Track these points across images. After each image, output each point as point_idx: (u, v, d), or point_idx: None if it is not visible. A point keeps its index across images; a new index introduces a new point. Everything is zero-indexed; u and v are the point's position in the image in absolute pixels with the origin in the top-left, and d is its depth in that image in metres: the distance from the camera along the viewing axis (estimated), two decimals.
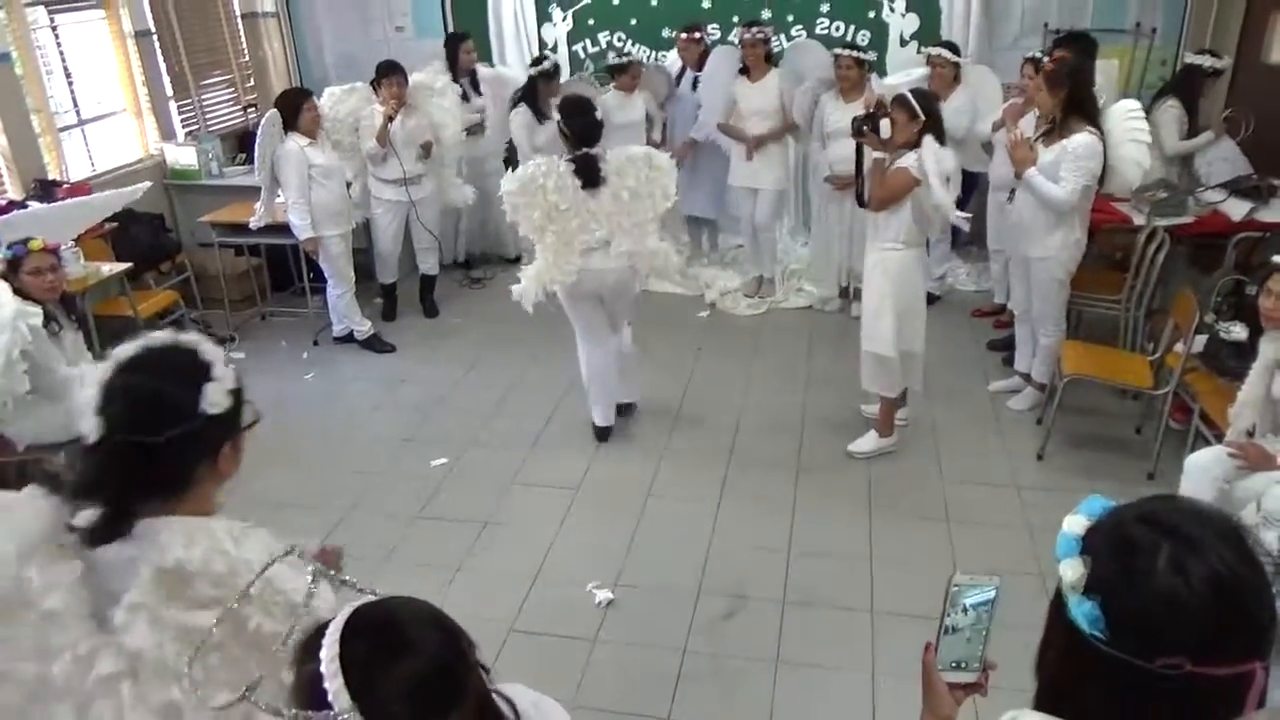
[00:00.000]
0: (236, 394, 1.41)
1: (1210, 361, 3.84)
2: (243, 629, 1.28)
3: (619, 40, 6.72)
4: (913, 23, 6.33)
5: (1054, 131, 3.96)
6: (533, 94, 5.61)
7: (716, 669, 3.01)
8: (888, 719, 2.81)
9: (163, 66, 6.13)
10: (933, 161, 3.57)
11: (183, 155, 6.13)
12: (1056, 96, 3.88)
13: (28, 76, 5.19)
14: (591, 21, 6.74)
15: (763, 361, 5.12)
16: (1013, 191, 4.20)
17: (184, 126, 6.33)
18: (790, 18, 6.44)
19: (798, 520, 3.73)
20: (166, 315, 5.24)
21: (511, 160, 5.10)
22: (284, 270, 6.09)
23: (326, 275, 5.33)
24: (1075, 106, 3.88)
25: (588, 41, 6.79)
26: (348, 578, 1.20)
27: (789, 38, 6.35)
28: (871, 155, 3.78)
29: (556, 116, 4.04)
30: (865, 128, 3.78)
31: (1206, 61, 5.16)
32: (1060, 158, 3.88)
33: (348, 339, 5.47)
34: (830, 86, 5.20)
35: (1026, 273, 4.27)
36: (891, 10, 6.34)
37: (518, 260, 5.06)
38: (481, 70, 6.15)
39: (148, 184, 4.93)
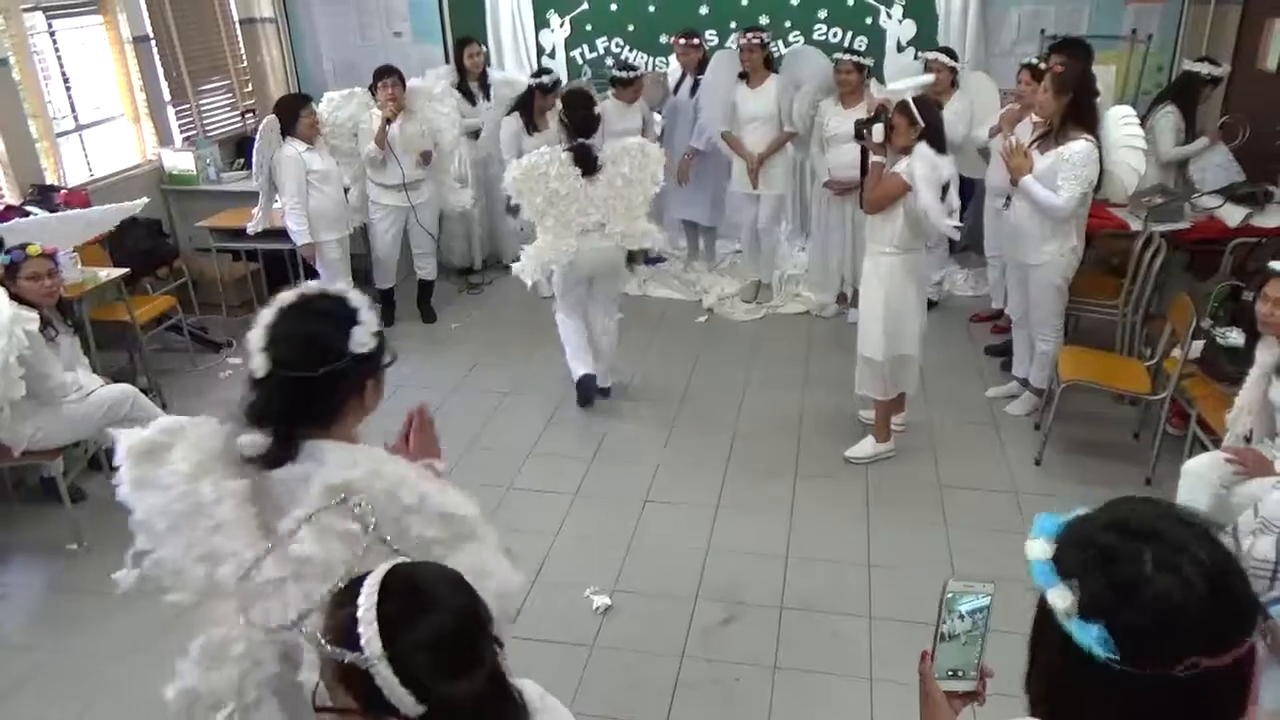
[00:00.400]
0: (379, 336, 1.58)
1: (1207, 367, 3.84)
2: (405, 535, 1.45)
3: (616, 46, 6.74)
4: (910, 29, 6.35)
5: (1050, 137, 3.96)
6: (528, 104, 5.61)
7: (714, 675, 3.00)
8: None
9: (160, 72, 6.13)
10: (922, 169, 3.58)
11: (180, 160, 6.13)
12: (1060, 101, 3.88)
13: (25, 82, 5.19)
14: (589, 27, 6.75)
15: (760, 367, 5.12)
16: (1009, 198, 4.21)
17: (182, 132, 6.33)
18: (788, 23, 6.45)
19: (795, 526, 3.73)
20: (164, 320, 5.23)
21: None
22: (282, 275, 6.06)
23: (324, 280, 5.32)
24: (1075, 113, 3.89)
25: (585, 47, 6.80)
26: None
27: (786, 44, 6.36)
28: (872, 159, 3.79)
29: (553, 125, 4.30)
30: (866, 131, 3.79)
31: (1205, 69, 5.18)
32: (1057, 165, 3.88)
33: None
34: (829, 92, 5.21)
35: (1023, 278, 4.27)
36: (889, 16, 6.36)
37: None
38: (494, 74, 6.16)
39: (146, 200, 4.94)
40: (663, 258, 6.54)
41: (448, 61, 6.39)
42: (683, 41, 5.91)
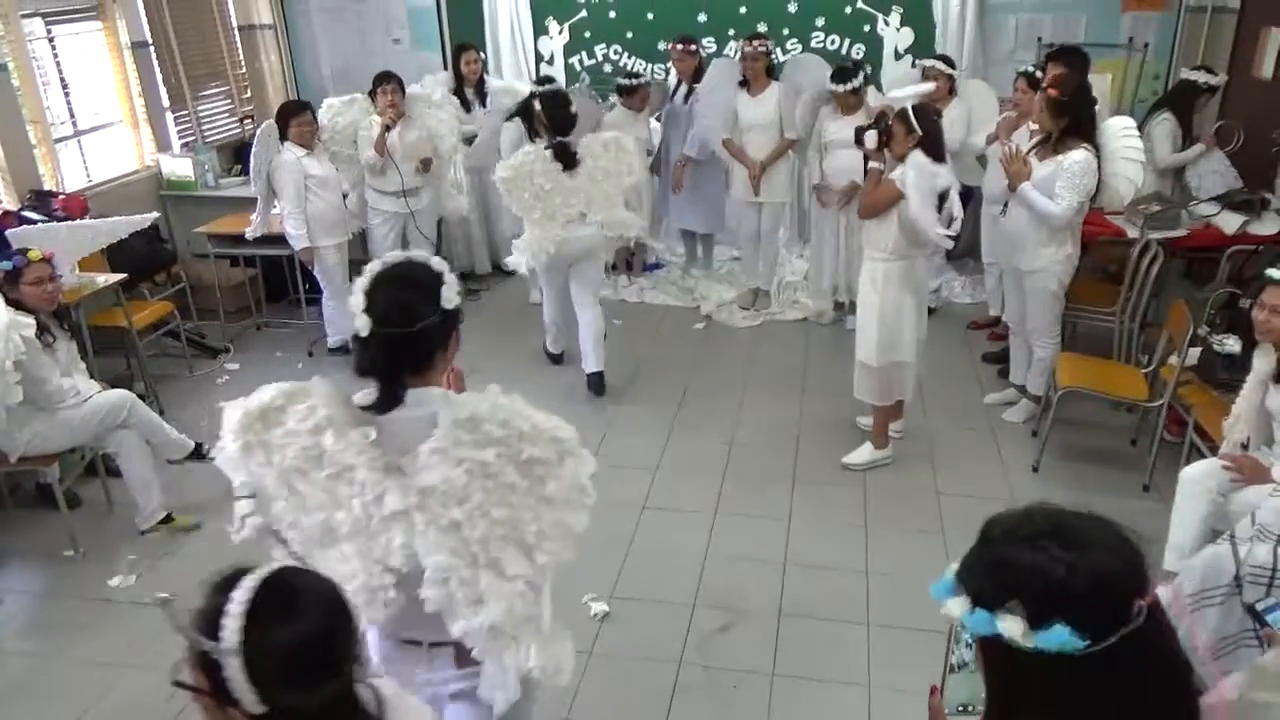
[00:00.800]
0: (461, 295, 1.80)
1: (1204, 374, 3.85)
2: (516, 458, 1.65)
3: (615, 53, 6.75)
4: (907, 37, 6.37)
5: (1048, 145, 3.97)
6: (530, 111, 5.61)
7: (712, 682, 3.00)
8: None
9: (159, 78, 6.14)
10: (914, 176, 3.59)
11: (179, 166, 6.13)
12: (1060, 121, 3.89)
13: (24, 87, 5.19)
14: (588, 34, 6.77)
15: (758, 373, 5.12)
16: (1006, 204, 4.22)
17: (180, 138, 6.34)
18: (786, 31, 6.47)
19: (793, 532, 3.73)
20: (161, 326, 5.23)
21: None
22: (279, 281, 6.08)
23: (322, 286, 5.33)
24: (1074, 123, 3.90)
25: (584, 54, 6.82)
26: (288, 540, 1.57)
27: (784, 51, 6.38)
28: (870, 165, 3.80)
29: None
30: (863, 138, 3.79)
31: (1201, 77, 5.21)
32: (1055, 174, 3.89)
33: (343, 350, 5.46)
34: (829, 100, 5.23)
35: (1020, 285, 4.28)
36: (886, 24, 6.38)
37: (514, 273, 5.11)
38: (492, 82, 6.16)
39: (157, 215, 4.95)
40: (660, 264, 6.55)
41: (446, 69, 6.39)
42: (679, 48, 5.91)
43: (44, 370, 3.55)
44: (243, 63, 6.90)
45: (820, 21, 6.45)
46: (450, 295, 1.77)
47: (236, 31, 6.83)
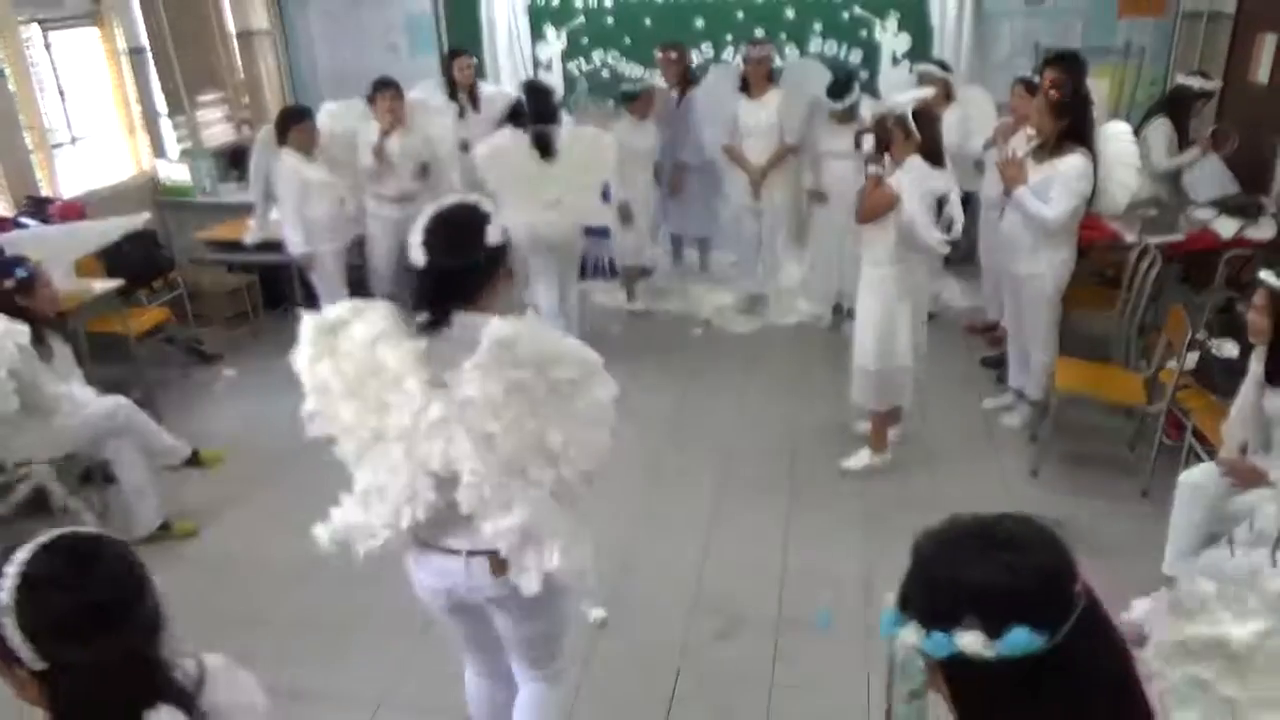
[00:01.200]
0: (505, 232, 2.00)
1: (1203, 378, 3.85)
2: (546, 379, 1.85)
3: (613, 59, 6.76)
4: (904, 42, 6.38)
5: (1045, 149, 3.97)
6: (519, 114, 5.60)
7: (709, 690, 2.99)
8: None
9: (156, 84, 6.14)
10: (909, 181, 3.60)
11: (176, 172, 6.13)
12: (1059, 123, 3.90)
13: (21, 93, 5.18)
14: (585, 40, 6.77)
15: (756, 378, 5.12)
16: (1003, 209, 4.22)
17: (177, 143, 6.33)
18: (783, 36, 6.48)
19: (791, 538, 3.72)
20: (158, 332, 5.22)
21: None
22: (276, 287, 6.07)
23: (319, 292, 5.32)
24: (1071, 127, 3.90)
25: (582, 60, 6.82)
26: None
27: (782, 57, 6.38)
28: (870, 170, 3.76)
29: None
30: (865, 144, 3.79)
31: (1197, 83, 5.22)
32: (1051, 177, 3.90)
33: None
34: (826, 107, 5.24)
35: (1017, 290, 4.28)
36: (883, 30, 6.39)
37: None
38: (484, 88, 6.17)
39: (147, 215, 4.93)
40: (649, 269, 6.52)
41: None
42: (665, 54, 5.90)
43: (40, 377, 3.54)
44: (240, 69, 6.89)
45: (817, 27, 6.46)
46: (494, 235, 1.97)
47: (234, 37, 6.83)
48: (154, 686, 1.22)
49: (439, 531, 2.01)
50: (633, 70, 6.68)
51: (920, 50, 6.24)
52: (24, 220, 4.85)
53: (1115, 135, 4.08)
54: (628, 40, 6.68)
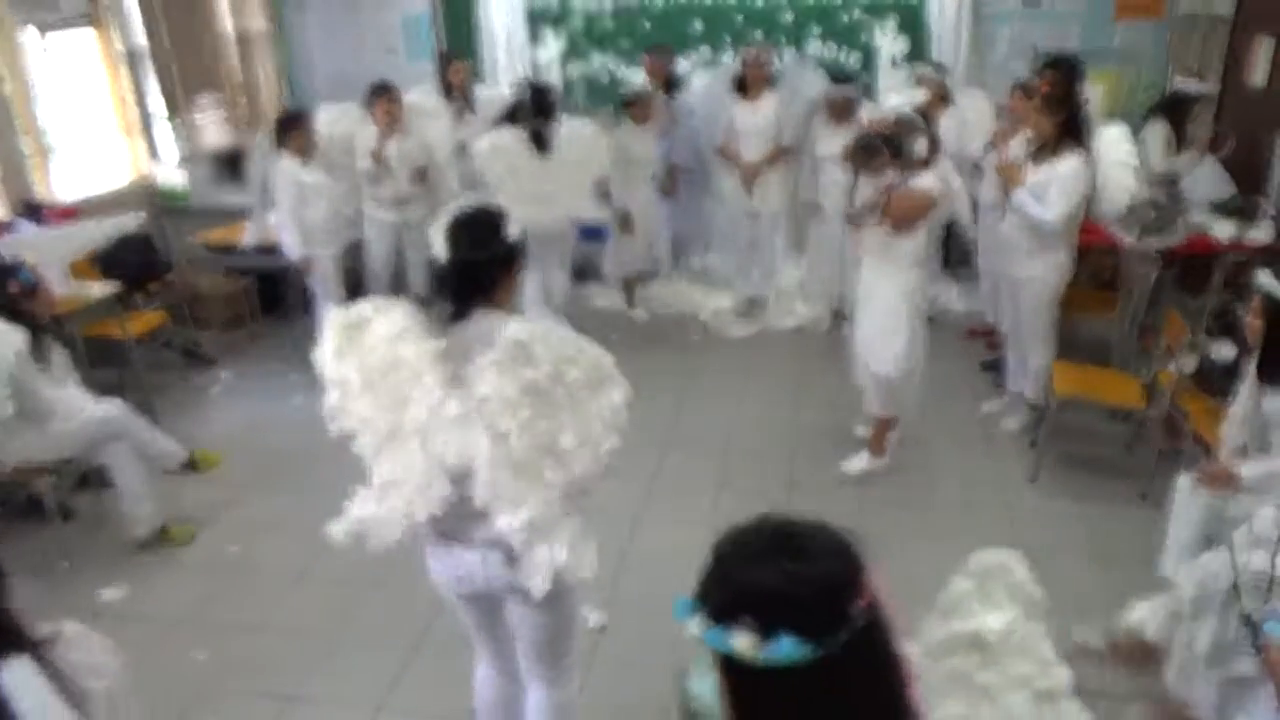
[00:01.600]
0: (520, 232, 2.13)
1: (1201, 381, 3.85)
2: (561, 378, 1.91)
3: (611, 63, 6.75)
4: (902, 45, 6.39)
5: (1044, 151, 3.98)
6: (516, 115, 5.60)
7: None
8: None
9: (154, 88, 6.13)
10: (939, 175, 3.68)
11: (173, 176, 6.12)
12: (1053, 119, 3.90)
13: (16, 96, 5.17)
14: (584, 43, 6.77)
15: (754, 382, 5.12)
16: (1002, 212, 4.22)
17: (174, 147, 6.32)
18: (782, 39, 6.48)
19: None
20: (155, 336, 5.21)
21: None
22: (273, 291, 6.07)
23: (317, 295, 5.32)
24: (1068, 129, 3.90)
25: (580, 63, 6.82)
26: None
27: (780, 60, 6.39)
28: (888, 181, 3.70)
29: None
30: (885, 150, 3.68)
31: (1194, 86, 5.22)
32: (1049, 180, 3.90)
33: None
34: (823, 110, 5.24)
35: (1015, 293, 4.28)
36: (882, 33, 6.40)
37: None
38: (480, 91, 6.16)
39: (141, 214, 4.92)
40: (649, 274, 6.50)
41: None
42: (651, 58, 5.88)
43: (36, 382, 3.53)
44: (238, 72, 6.89)
45: (816, 30, 6.46)
46: (511, 231, 2.11)
47: (232, 40, 6.82)
48: (4, 636, 1.23)
49: (456, 524, 2.07)
50: (631, 74, 6.68)
51: (918, 53, 6.24)
52: (20, 224, 4.84)
53: (1113, 139, 4.09)
54: (626, 44, 6.68)
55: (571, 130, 5.00)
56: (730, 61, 6.38)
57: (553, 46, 6.82)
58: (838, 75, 5.36)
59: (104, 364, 4.95)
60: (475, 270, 2.07)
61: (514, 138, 4.87)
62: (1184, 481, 3.14)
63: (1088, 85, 4.85)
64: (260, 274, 5.98)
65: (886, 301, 3.85)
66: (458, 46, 6.53)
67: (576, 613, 2.33)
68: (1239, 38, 5.75)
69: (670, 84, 5.89)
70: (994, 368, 5.01)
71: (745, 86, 5.53)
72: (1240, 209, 4.95)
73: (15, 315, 3.50)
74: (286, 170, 4.97)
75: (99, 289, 4.74)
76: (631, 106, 5.59)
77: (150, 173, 6.13)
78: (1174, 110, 5.24)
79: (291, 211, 5.00)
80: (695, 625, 0.99)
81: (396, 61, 6.88)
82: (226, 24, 6.77)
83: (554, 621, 2.24)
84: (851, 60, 6.40)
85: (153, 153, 6.17)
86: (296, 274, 5.36)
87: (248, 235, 5.22)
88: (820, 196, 5.41)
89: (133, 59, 5.97)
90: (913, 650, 1.04)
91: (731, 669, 0.97)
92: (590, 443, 1.98)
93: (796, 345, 5.62)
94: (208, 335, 5.84)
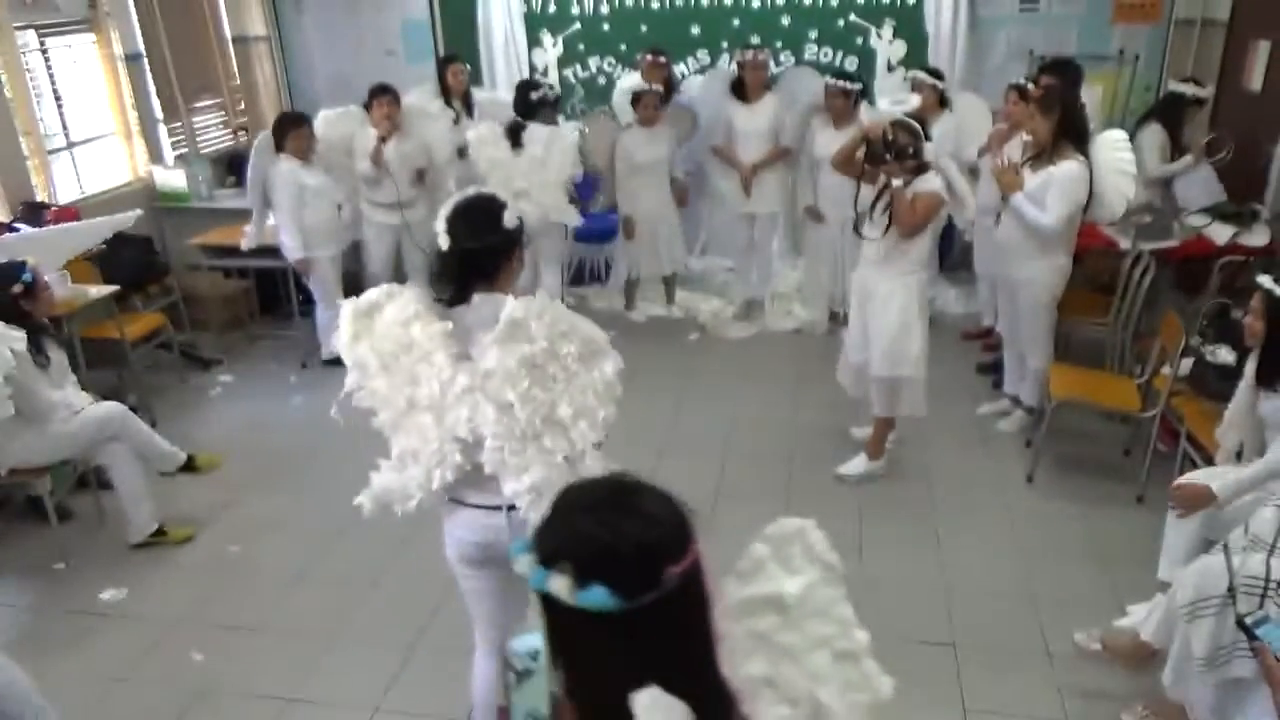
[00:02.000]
0: (519, 219, 2.24)
1: (1197, 384, 3.86)
2: (557, 353, 2.06)
3: (609, 66, 6.77)
4: (900, 49, 6.41)
5: (1042, 156, 3.99)
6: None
7: None
8: None
9: (153, 89, 6.13)
10: (942, 178, 3.70)
11: (172, 178, 6.12)
12: (1050, 120, 3.91)
13: (16, 98, 5.18)
14: (582, 46, 6.78)
15: (752, 384, 5.12)
16: (999, 215, 4.23)
17: (173, 149, 6.33)
18: (779, 43, 6.50)
19: None
20: (154, 338, 5.21)
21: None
22: (272, 293, 6.07)
23: (316, 297, 5.32)
24: (1065, 132, 3.91)
25: (578, 66, 6.83)
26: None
27: (777, 63, 6.41)
28: (894, 185, 3.67)
29: None
30: (888, 155, 3.64)
31: (1190, 90, 5.23)
32: (1047, 184, 3.91)
33: (337, 361, 5.38)
34: (820, 112, 5.25)
35: (1012, 296, 4.29)
36: (879, 37, 6.42)
37: None
38: (477, 94, 6.18)
39: (139, 212, 4.91)
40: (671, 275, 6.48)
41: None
42: (649, 59, 5.87)
43: (35, 383, 3.54)
44: (236, 74, 6.89)
45: (813, 34, 6.48)
46: (509, 220, 2.21)
47: (230, 43, 6.83)
48: None
49: (474, 490, 2.21)
50: (629, 77, 6.68)
51: (916, 57, 6.25)
52: (19, 226, 4.85)
53: (1112, 143, 4.09)
54: (624, 47, 6.69)
55: (541, 129, 5.07)
56: (727, 65, 6.41)
57: (550, 50, 6.84)
58: (840, 75, 5.36)
59: (103, 365, 4.95)
60: (476, 257, 2.18)
61: (491, 131, 4.99)
62: (1181, 484, 3.15)
63: (1086, 89, 4.89)
64: (259, 275, 5.98)
65: (898, 305, 3.82)
66: (457, 49, 6.54)
67: None
68: (1236, 42, 5.77)
69: (669, 87, 5.89)
70: (991, 370, 5.02)
71: (743, 90, 5.54)
72: (1237, 212, 4.97)
73: (15, 316, 3.50)
74: (286, 172, 4.98)
75: (98, 290, 4.74)
76: (633, 106, 5.58)
77: (149, 175, 6.13)
78: (1169, 114, 5.26)
79: (291, 213, 5.01)
80: (522, 564, 1.05)
81: (396, 64, 6.90)
82: (225, 27, 6.78)
83: None
84: (848, 64, 6.41)
85: (152, 155, 6.17)
86: (295, 276, 5.36)
87: (247, 237, 5.22)
88: (819, 199, 5.42)
89: (131, 62, 5.96)
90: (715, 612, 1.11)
91: (550, 608, 1.04)
92: (586, 412, 2.12)
93: (794, 347, 5.63)
94: (206, 337, 5.84)
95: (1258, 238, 4.88)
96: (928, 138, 3.73)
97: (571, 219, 5.28)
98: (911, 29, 6.33)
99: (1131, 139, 4.30)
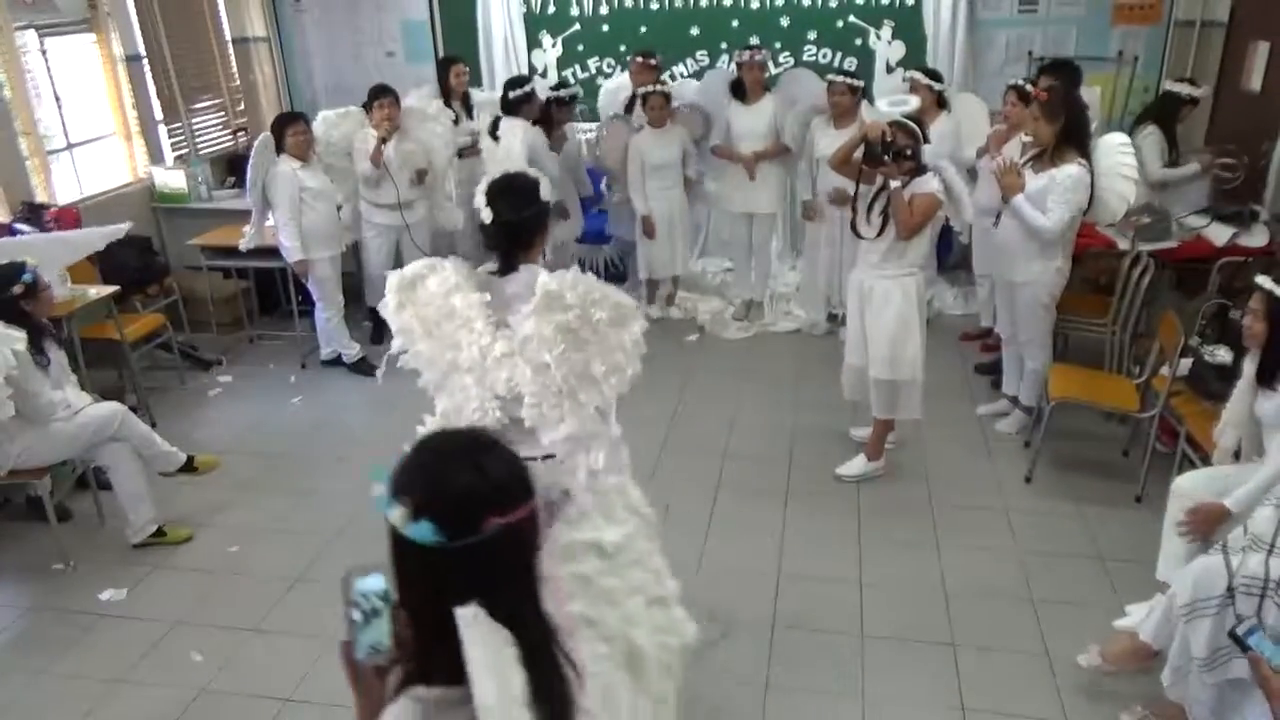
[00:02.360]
0: (553, 191, 2.52)
1: (1195, 384, 3.86)
2: (588, 320, 2.24)
3: (609, 67, 6.77)
4: (898, 50, 6.41)
5: (1043, 157, 3.99)
6: (546, 120, 5.62)
7: (705, 692, 2.99)
8: None
9: (152, 90, 6.14)
10: (941, 178, 3.70)
11: (171, 179, 6.12)
12: (1054, 125, 3.91)
13: (16, 99, 5.18)
14: (581, 47, 6.79)
15: (751, 385, 5.13)
16: (998, 216, 4.24)
17: (173, 150, 6.33)
18: (778, 44, 6.51)
19: (787, 543, 3.72)
20: (153, 338, 5.21)
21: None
22: (272, 293, 6.07)
23: (315, 298, 5.32)
24: (1068, 136, 3.92)
25: (577, 67, 6.84)
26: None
27: (776, 64, 6.41)
28: (892, 186, 3.67)
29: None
30: (886, 157, 3.63)
31: (1185, 90, 5.23)
32: (1049, 187, 3.91)
33: (335, 362, 5.45)
34: (821, 112, 5.25)
35: (1011, 296, 4.29)
36: (878, 38, 6.42)
37: None
38: (476, 94, 6.18)
39: (130, 224, 4.87)
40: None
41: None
42: (639, 61, 5.84)
43: (35, 384, 3.54)
44: (236, 75, 6.90)
45: (812, 35, 6.49)
46: (545, 192, 2.48)
47: (230, 44, 6.83)
48: None
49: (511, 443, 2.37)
50: (616, 78, 6.68)
51: (914, 58, 6.26)
52: (19, 227, 4.85)
53: (1114, 147, 4.09)
54: (623, 48, 6.70)
55: (505, 124, 5.26)
56: (726, 66, 6.42)
57: (550, 51, 6.84)
58: (842, 73, 5.36)
59: (102, 366, 4.96)
60: (516, 229, 2.43)
61: (480, 129, 5.35)
62: (1179, 484, 3.16)
63: (1085, 90, 4.89)
64: (259, 276, 5.98)
65: (896, 307, 3.82)
66: (456, 50, 6.54)
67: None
68: (1235, 43, 5.78)
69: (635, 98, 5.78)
70: (990, 370, 5.02)
71: (742, 90, 5.54)
72: (1237, 214, 4.97)
73: (15, 316, 3.50)
74: (286, 173, 4.98)
75: (97, 291, 4.75)
76: (644, 108, 5.53)
77: (149, 175, 6.13)
78: (1164, 114, 5.26)
79: (290, 214, 5.01)
80: (375, 490, 1.17)
81: (395, 65, 6.91)
82: (224, 28, 6.78)
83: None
84: (847, 65, 6.41)
85: (152, 155, 6.17)
86: (295, 276, 5.37)
87: (246, 238, 5.22)
88: (819, 199, 5.42)
89: (131, 63, 5.97)
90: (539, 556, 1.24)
91: (392, 535, 1.16)
92: (616, 369, 2.33)
93: (793, 348, 5.63)
94: (206, 337, 5.85)
95: (1256, 238, 4.89)
96: (926, 139, 3.74)
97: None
98: (911, 30, 6.34)
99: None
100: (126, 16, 5.93)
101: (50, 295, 3.81)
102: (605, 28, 6.71)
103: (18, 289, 3.56)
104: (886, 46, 6.43)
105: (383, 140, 5.16)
